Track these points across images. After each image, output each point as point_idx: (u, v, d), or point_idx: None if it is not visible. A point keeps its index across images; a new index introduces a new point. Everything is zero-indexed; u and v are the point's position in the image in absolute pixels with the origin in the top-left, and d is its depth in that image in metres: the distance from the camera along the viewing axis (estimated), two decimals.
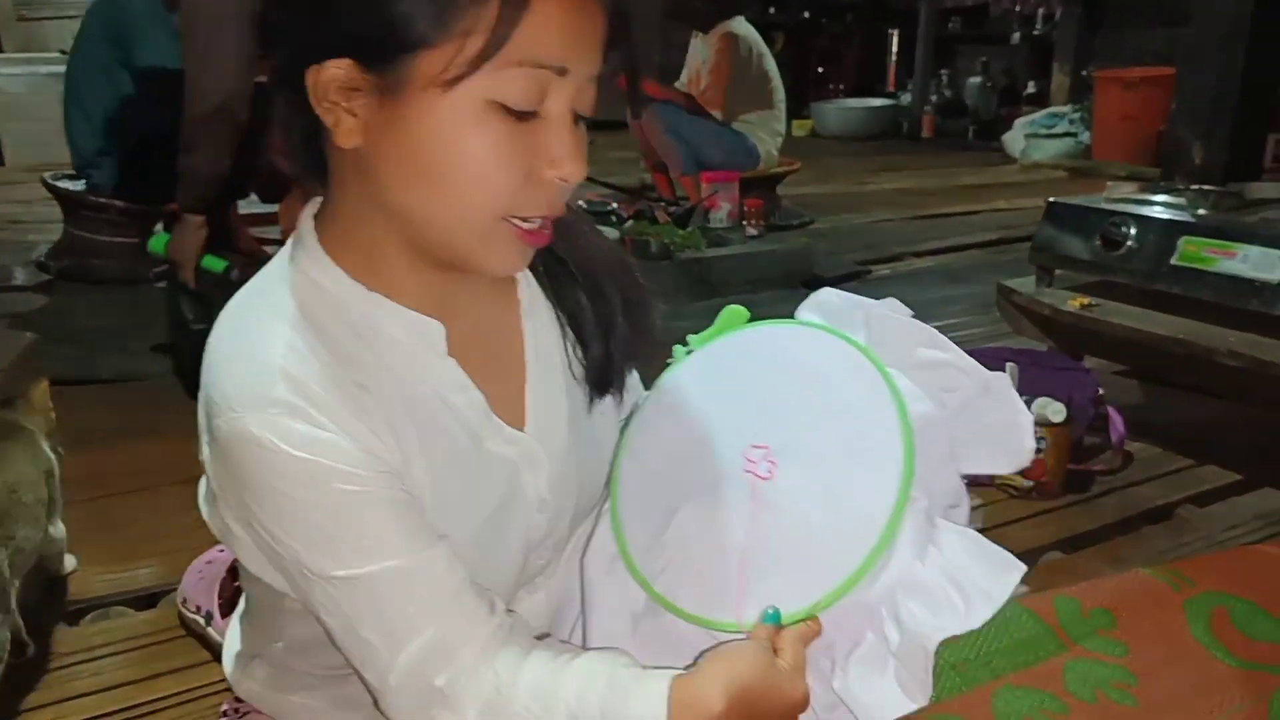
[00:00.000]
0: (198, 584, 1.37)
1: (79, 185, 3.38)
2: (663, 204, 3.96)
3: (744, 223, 3.85)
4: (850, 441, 0.72)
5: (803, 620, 0.68)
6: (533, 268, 0.83)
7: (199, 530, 0.87)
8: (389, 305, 0.73)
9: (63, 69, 3.39)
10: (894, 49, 9.06)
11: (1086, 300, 2.09)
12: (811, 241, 3.97)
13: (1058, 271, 2.23)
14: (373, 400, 0.69)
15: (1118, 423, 2.04)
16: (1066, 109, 6.68)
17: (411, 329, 0.73)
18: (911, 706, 0.67)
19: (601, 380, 0.84)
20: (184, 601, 1.40)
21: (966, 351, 2.34)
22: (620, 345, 0.83)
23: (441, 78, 0.62)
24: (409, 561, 0.67)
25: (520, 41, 0.62)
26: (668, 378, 0.85)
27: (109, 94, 3.26)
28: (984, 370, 0.78)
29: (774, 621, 0.69)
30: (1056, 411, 1.82)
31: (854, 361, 0.77)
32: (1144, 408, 2.30)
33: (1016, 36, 7.88)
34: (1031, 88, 7.72)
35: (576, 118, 0.69)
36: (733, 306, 0.86)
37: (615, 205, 3.91)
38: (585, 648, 0.76)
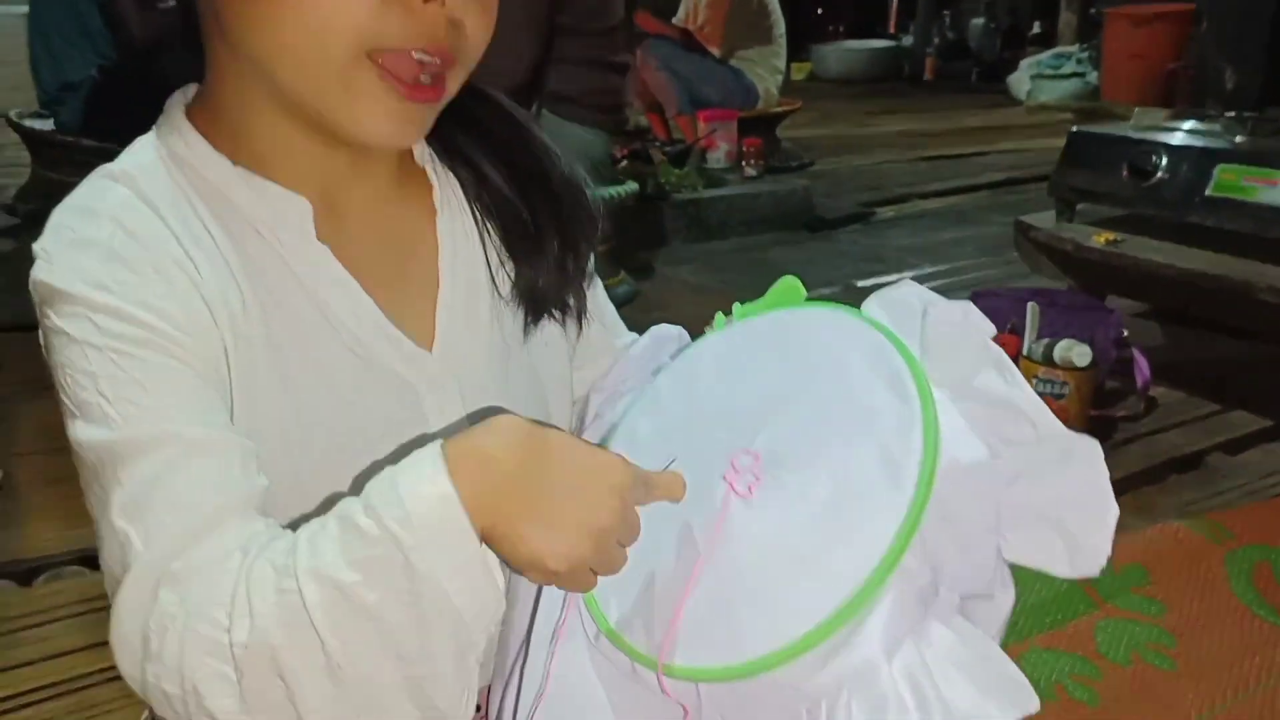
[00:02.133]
0: None
1: (47, 124, 3.23)
2: (658, 144, 3.81)
3: (742, 163, 3.70)
4: (854, 474, 0.56)
5: (717, 676, 0.54)
6: (453, 167, 0.72)
7: None
8: (252, 179, 0.62)
9: None
10: None
11: (1112, 235, 1.96)
12: (812, 183, 3.83)
13: (1079, 206, 2.10)
14: (211, 276, 0.59)
15: (1143, 366, 1.93)
16: (1074, 49, 6.51)
17: (273, 205, 0.62)
18: None
19: (533, 303, 0.72)
20: None
21: (983, 293, 2.20)
22: (551, 265, 0.71)
23: None
24: (190, 434, 0.54)
25: None
26: (693, 348, 0.70)
27: (74, 25, 3.09)
28: (1064, 429, 0.57)
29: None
30: (1082, 354, 1.70)
31: (893, 370, 0.59)
32: (1166, 348, 2.19)
33: None
34: (1037, 28, 7.52)
35: None
36: (788, 279, 0.69)
37: None
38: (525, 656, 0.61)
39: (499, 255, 0.71)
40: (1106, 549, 0.55)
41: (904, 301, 0.63)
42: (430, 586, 0.49)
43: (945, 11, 8.16)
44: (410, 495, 0.49)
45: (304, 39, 0.55)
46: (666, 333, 0.75)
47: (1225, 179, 1.77)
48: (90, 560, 1.42)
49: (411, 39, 0.56)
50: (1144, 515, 1.55)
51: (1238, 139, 1.86)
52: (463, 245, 0.70)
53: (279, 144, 0.62)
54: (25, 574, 1.40)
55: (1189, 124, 2.00)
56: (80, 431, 0.54)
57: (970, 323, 0.59)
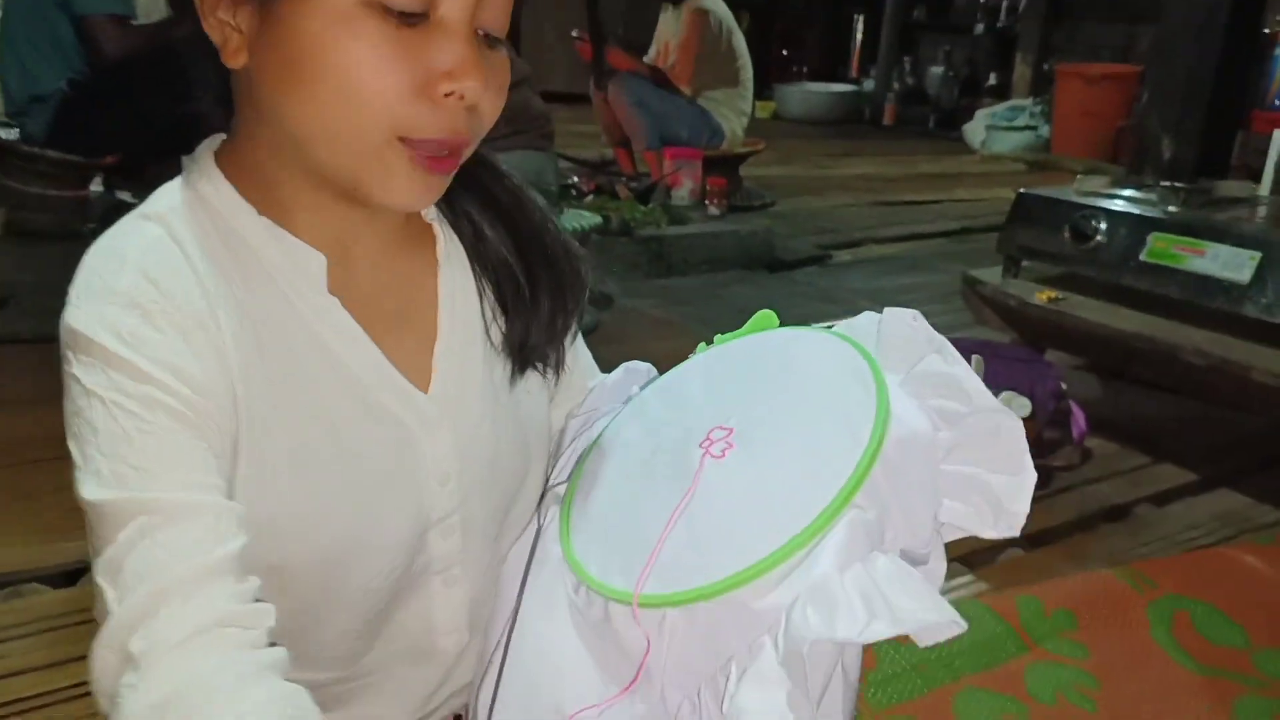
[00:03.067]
0: None
1: (11, 134, 3.21)
2: (624, 179, 3.88)
3: (706, 201, 3.79)
4: (817, 437, 0.65)
5: (684, 600, 0.60)
6: (456, 225, 0.78)
7: None
8: (274, 230, 0.66)
9: None
10: (858, 35, 9.04)
11: (1053, 293, 2.06)
12: (773, 224, 3.92)
13: (1024, 263, 2.20)
14: (230, 324, 0.63)
15: (1079, 418, 2.02)
16: (1028, 102, 6.72)
17: (291, 256, 0.66)
18: None
19: (521, 356, 0.77)
20: None
21: None
22: (542, 322, 0.77)
23: None
24: (172, 500, 0.57)
25: None
26: (677, 368, 0.79)
27: (45, 38, 3.08)
28: (996, 404, 0.65)
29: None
30: (1021, 406, 1.79)
31: (854, 366, 0.68)
32: (1101, 402, 2.29)
33: (980, 27, 7.91)
34: (993, 79, 7.75)
35: (487, 38, 0.63)
36: (765, 311, 0.79)
37: (575, 179, 3.82)
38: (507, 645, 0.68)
39: (493, 309, 0.77)
40: (1024, 511, 0.64)
41: (863, 325, 0.74)
42: None
43: (906, 59, 8.38)
44: None
45: (342, 122, 0.60)
46: (637, 366, 0.85)
47: (1158, 246, 1.88)
48: (49, 579, 1.43)
49: (435, 129, 0.61)
50: (1076, 562, 1.63)
51: (1171, 209, 1.97)
52: (460, 297, 0.75)
53: (301, 199, 0.67)
54: None
55: (1128, 191, 2.11)
56: (80, 481, 0.58)
57: (918, 324, 0.70)
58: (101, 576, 0.56)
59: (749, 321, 0.78)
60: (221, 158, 0.68)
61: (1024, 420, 1.93)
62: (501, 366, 0.77)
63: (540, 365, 0.79)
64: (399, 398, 0.70)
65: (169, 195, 0.67)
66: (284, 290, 0.66)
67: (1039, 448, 1.96)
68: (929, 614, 0.56)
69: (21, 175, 3.07)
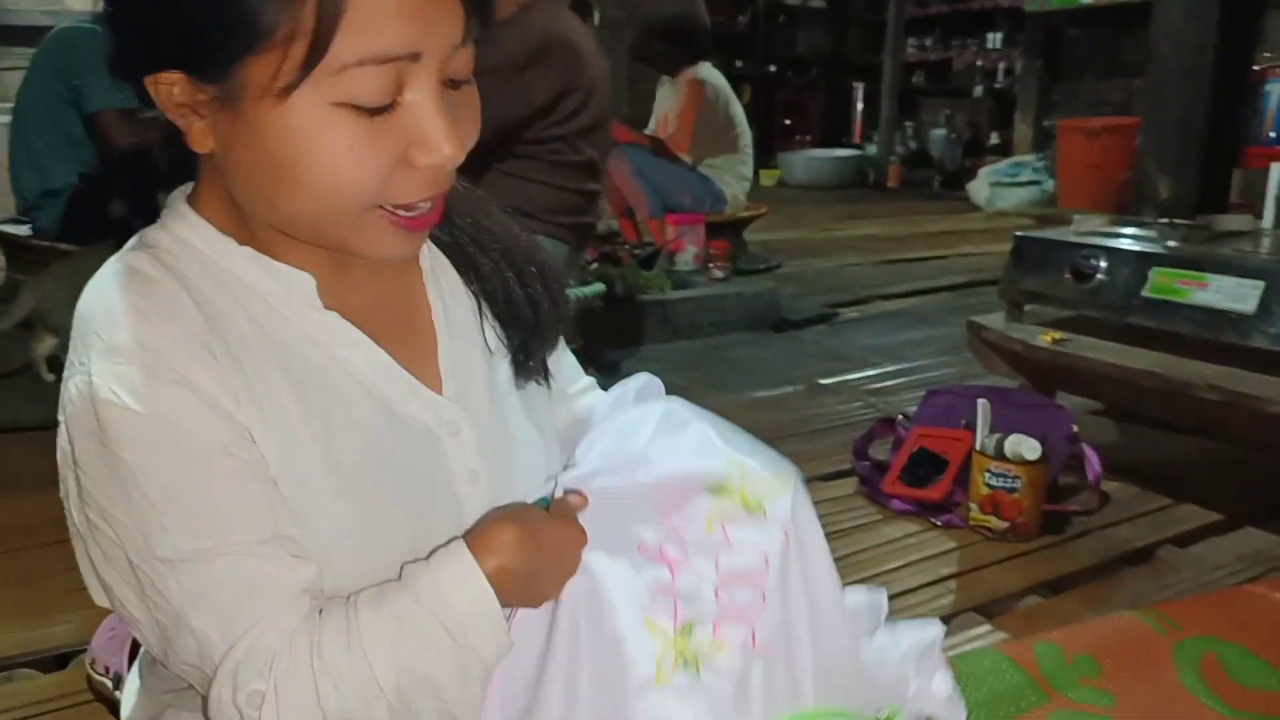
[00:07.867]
0: (109, 642, 1.25)
1: (24, 229, 3.28)
2: (627, 247, 3.91)
3: (709, 266, 3.80)
4: None
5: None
6: (439, 241, 0.80)
7: None
8: (259, 258, 0.68)
9: None
10: (859, 102, 9.19)
11: (1058, 335, 2.03)
12: (778, 285, 3.93)
13: (1027, 307, 2.18)
14: (237, 360, 0.64)
15: (1093, 461, 1.97)
16: (1030, 158, 6.77)
17: (281, 281, 0.69)
18: None
19: (523, 364, 0.81)
20: (93, 662, 1.28)
21: (938, 390, 2.23)
22: (541, 335, 0.82)
23: (274, 87, 0.59)
24: (251, 539, 0.61)
25: (351, 41, 0.58)
26: None
27: (55, 135, 3.18)
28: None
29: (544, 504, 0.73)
30: (1031, 449, 1.75)
31: None
32: (1119, 446, 2.24)
33: (979, 90, 8.02)
34: (995, 138, 7.84)
35: (453, 83, 0.65)
36: None
37: None
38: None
39: (485, 318, 0.81)
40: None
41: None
42: (474, 657, 0.64)
43: (907, 123, 8.49)
44: (459, 599, 0.64)
45: (319, 207, 0.62)
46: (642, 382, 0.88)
47: (1160, 281, 1.85)
48: (41, 663, 1.40)
49: (420, 193, 0.64)
50: (1097, 608, 1.57)
51: (1171, 243, 1.95)
52: (452, 304, 0.79)
53: (280, 235, 0.69)
54: None
55: (1127, 229, 2.10)
56: (134, 538, 0.62)
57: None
58: (202, 620, 0.61)
59: None
60: (196, 198, 0.70)
61: (1037, 464, 1.88)
62: (504, 374, 0.80)
63: (540, 377, 0.83)
64: (418, 400, 0.72)
65: (148, 238, 0.69)
66: (281, 312, 0.68)
67: (1054, 493, 1.91)
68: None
69: (32, 269, 3.13)
